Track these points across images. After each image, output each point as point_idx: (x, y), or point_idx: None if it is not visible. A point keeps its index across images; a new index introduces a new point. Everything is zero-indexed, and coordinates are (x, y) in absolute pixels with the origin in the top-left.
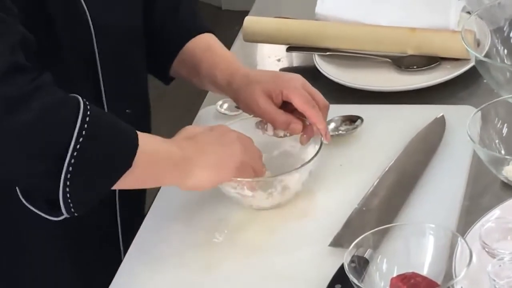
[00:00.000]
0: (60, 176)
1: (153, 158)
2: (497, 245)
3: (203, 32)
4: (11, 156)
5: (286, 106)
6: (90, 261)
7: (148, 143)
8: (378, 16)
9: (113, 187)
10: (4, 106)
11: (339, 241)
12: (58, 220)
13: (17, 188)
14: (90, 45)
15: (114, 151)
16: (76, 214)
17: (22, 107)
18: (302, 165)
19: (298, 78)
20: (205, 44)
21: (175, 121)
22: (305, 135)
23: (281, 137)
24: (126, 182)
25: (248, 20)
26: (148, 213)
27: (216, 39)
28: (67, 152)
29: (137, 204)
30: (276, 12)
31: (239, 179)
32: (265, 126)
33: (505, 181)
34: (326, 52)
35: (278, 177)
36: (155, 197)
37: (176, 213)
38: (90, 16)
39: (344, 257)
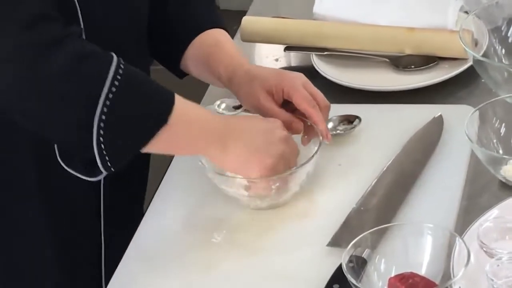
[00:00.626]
0: (93, 126)
1: (190, 121)
2: (495, 245)
3: (214, 27)
4: (45, 103)
5: (288, 106)
6: (75, 265)
7: (186, 105)
8: (376, 16)
9: (148, 148)
10: (37, 51)
11: (337, 241)
12: (47, 228)
13: (55, 148)
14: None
15: (149, 106)
16: (113, 170)
17: (54, 53)
18: (298, 167)
19: (300, 77)
20: (213, 39)
21: None
22: (306, 136)
23: None
24: (162, 142)
25: (246, 20)
26: (146, 212)
27: (227, 34)
28: (98, 102)
29: (124, 210)
30: (274, 12)
31: (237, 178)
32: None
33: (503, 180)
34: (324, 52)
35: (273, 178)
36: (152, 197)
37: (175, 213)
38: (81, 12)
39: (342, 257)
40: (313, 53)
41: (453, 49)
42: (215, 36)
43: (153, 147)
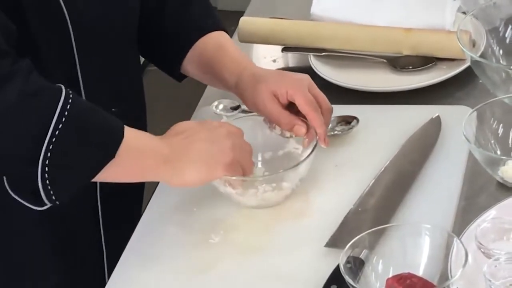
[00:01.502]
0: (38, 161)
1: (139, 152)
2: (493, 246)
3: (215, 30)
4: None
5: (293, 107)
6: (75, 265)
7: (135, 137)
8: (374, 17)
9: (97, 178)
10: None
11: (335, 242)
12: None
13: (4, 179)
14: (68, 44)
15: (96, 141)
16: (57, 203)
17: (1, 90)
18: (285, 170)
19: (305, 79)
20: (216, 43)
21: (170, 122)
22: (307, 139)
23: (287, 137)
24: (110, 173)
25: (244, 21)
26: (144, 213)
27: (228, 36)
28: (44, 139)
29: (122, 210)
30: (272, 12)
31: (223, 177)
32: (273, 124)
33: (501, 181)
34: (321, 52)
35: (260, 179)
36: (151, 197)
37: (172, 214)
38: (68, 14)
39: (340, 257)
40: (311, 53)
41: (451, 49)
42: (217, 39)
43: (101, 178)
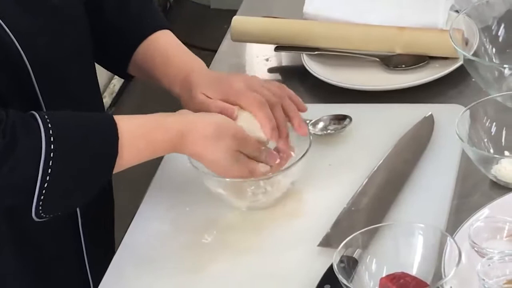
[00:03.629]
0: (32, 201)
1: (138, 136)
2: (486, 245)
3: (157, 30)
4: None
5: None
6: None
7: (128, 122)
8: (367, 15)
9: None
10: None
11: (328, 241)
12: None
13: None
14: (27, 78)
15: (93, 155)
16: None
17: None
18: (275, 173)
19: (240, 80)
20: (155, 48)
21: None
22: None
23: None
24: (122, 166)
25: (236, 20)
26: (136, 214)
27: (170, 35)
28: (35, 184)
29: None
30: (265, 11)
31: (216, 178)
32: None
33: (494, 180)
34: (314, 51)
35: (249, 181)
36: (143, 198)
37: (165, 214)
38: (23, 52)
39: (333, 257)
40: (304, 52)
41: (443, 48)
42: (157, 43)
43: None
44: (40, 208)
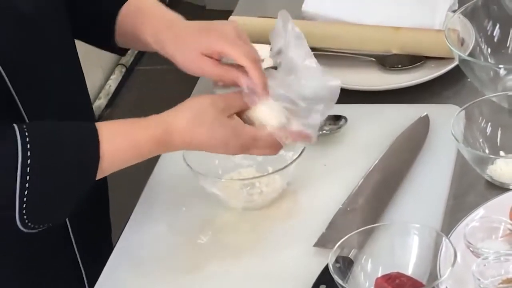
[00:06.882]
0: (15, 210)
1: (121, 143)
2: (482, 245)
3: None
4: None
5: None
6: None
7: (110, 128)
8: (364, 15)
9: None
10: None
11: (323, 242)
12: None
13: None
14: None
15: (70, 179)
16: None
17: None
18: (269, 173)
19: (230, 30)
20: (134, 6)
21: None
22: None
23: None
24: (106, 172)
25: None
26: (132, 215)
27: None
28: (15, 194)
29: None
30: (260, 11)
31: (212, 178)
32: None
33: (489, 180)
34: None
35: (244, 181)
36: (138, 199)
37: (160, 213)
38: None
39: (328, 257)
40: None
41: (439, 48)
42: (135, 4)
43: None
44: (25, 217)
